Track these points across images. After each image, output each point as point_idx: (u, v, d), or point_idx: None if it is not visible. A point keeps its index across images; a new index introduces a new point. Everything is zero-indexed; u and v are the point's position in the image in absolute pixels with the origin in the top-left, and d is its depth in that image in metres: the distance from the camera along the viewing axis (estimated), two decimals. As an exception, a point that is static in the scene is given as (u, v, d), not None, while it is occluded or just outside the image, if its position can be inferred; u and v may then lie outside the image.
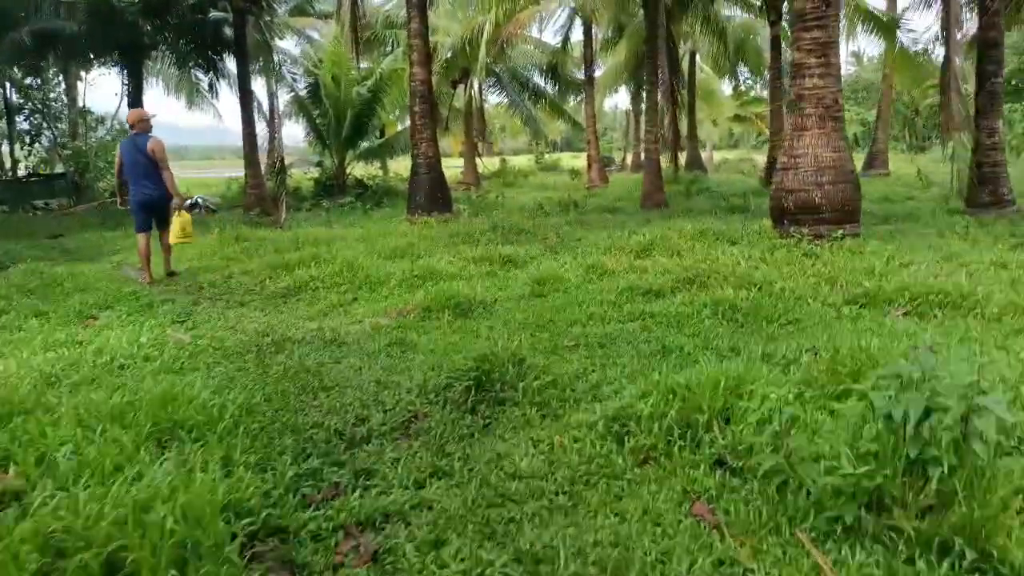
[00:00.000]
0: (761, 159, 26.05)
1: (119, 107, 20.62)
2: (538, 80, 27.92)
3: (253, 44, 17.42)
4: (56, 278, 6.99)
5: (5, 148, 22.92)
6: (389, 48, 24.90)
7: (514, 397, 3.44)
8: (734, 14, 24.87)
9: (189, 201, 20.46)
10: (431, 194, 12.13)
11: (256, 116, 17.89)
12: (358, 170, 22.43)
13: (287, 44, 24.65)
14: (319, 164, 21.73)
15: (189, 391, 3.27)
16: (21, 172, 22.92)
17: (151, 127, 7.58)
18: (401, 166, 26.34)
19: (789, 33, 11.66)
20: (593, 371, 3.89)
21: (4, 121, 21.35)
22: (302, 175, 23.61)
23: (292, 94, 21.31)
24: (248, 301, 6.34)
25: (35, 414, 3.07)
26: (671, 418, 2.91)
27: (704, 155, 36.69)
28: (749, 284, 5.75)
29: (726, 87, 36.60)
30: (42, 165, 23.88)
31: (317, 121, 20.82)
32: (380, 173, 23.18)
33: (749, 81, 33.58)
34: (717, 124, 46.44)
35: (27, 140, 22.23)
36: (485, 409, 3.37)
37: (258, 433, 3.08)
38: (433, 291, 5.83)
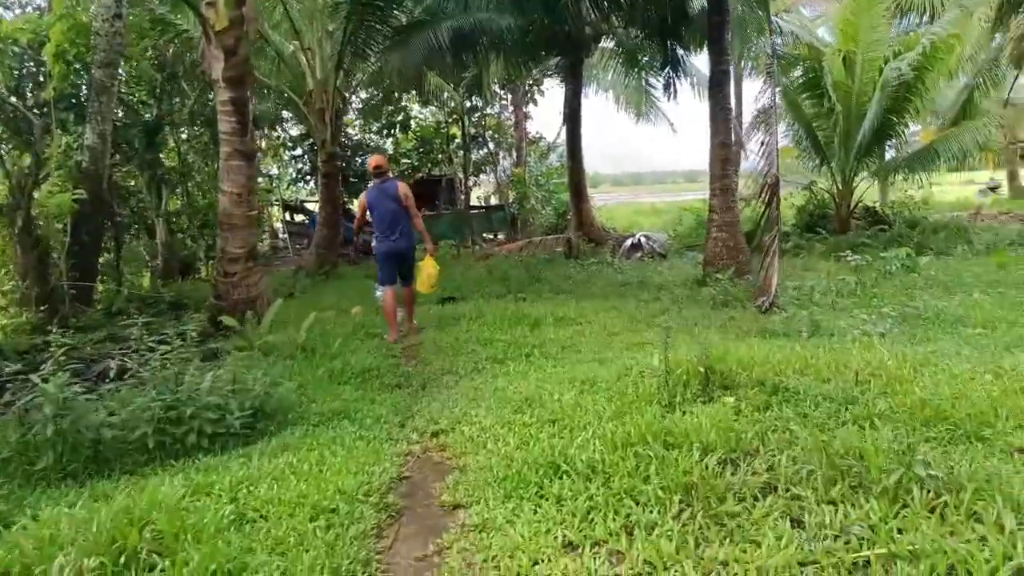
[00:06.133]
0: None
1: (560, 131, 17.19)
2: None
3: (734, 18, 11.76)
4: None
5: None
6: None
7: None
8: None
9: (630, 241, 15.90)
10: None
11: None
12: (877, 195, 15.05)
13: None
14: (808, 187, 15.04)
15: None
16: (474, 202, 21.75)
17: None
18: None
19: None
20: None
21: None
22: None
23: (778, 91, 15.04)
24: None
25: None
26: None
27: None
28: None
29: None
30: (492, 196, 22.55)
31: (813, 124, 14.17)
32: (915, 198, 15.17)
33: None
34: None
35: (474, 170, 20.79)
36: None
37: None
38: None
